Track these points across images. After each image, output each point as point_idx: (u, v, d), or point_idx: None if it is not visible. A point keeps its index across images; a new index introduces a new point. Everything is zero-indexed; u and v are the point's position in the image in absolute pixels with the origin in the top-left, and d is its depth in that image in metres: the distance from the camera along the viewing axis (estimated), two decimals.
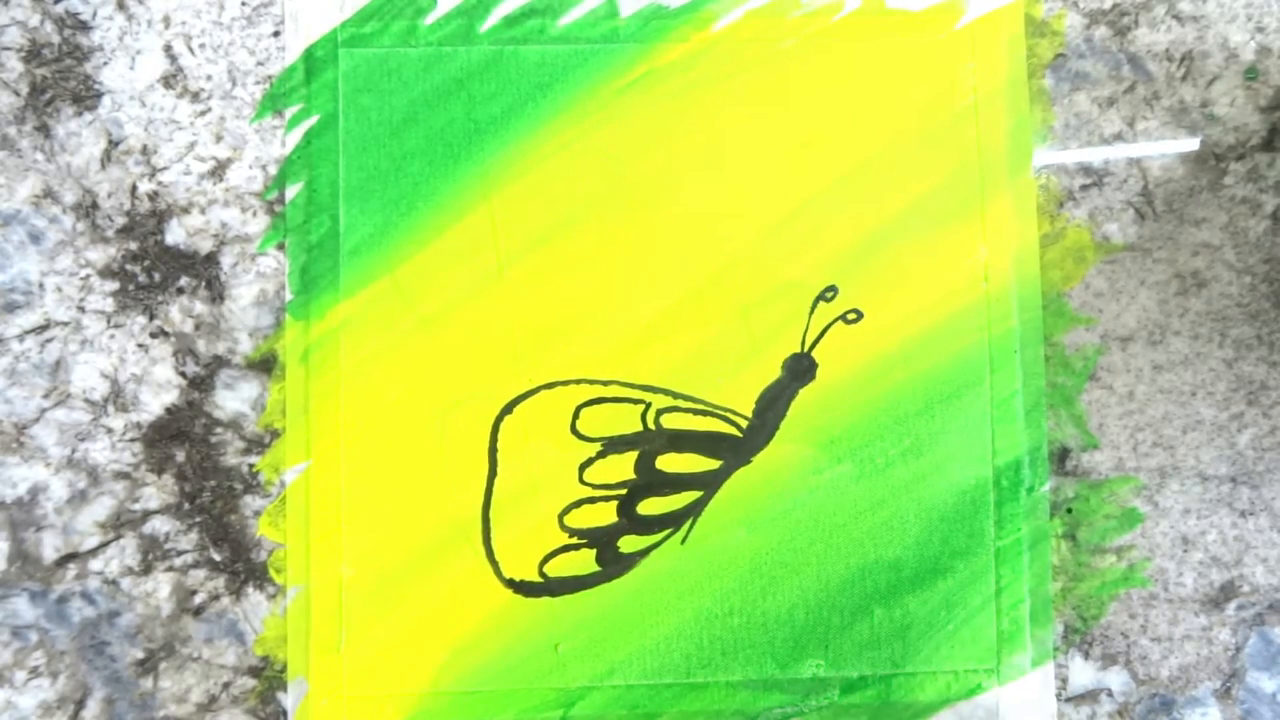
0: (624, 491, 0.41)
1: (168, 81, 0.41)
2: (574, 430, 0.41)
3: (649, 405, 0.41)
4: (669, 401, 0.41)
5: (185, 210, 0.41)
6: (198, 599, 0.40)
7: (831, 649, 0.41)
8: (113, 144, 0.41)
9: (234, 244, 0.41)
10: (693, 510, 0.41)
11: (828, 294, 0.41)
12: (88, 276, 0.41)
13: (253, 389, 0.41)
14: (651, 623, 0.41)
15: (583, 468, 0.41)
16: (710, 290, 0.41)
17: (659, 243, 0.41)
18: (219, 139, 0.41)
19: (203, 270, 0.41)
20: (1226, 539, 0.42)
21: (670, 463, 0.41)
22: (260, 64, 0.42)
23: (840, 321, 0.41)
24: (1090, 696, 0.41)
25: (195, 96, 0.41)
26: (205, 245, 0.41)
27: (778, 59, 0.42)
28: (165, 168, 0.41)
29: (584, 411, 0.41)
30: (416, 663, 0.40)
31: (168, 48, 0.41)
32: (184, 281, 0.41)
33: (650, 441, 0.41)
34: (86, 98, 0.41)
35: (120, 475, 0.41)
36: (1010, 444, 0.41)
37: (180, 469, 0.41)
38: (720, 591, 0.41)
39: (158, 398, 0.41)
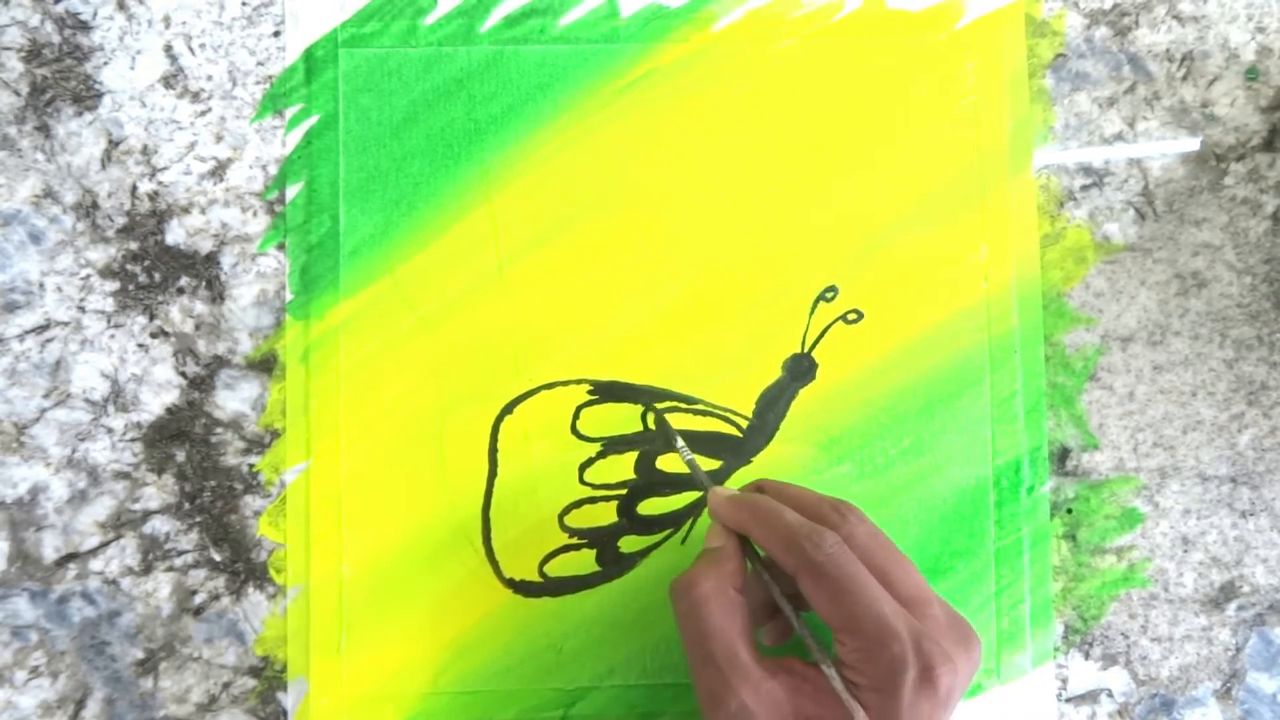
0: (624, 491, 0.41)
1: (168, 81, 0.41)
2: (574, 430, 0.41)
3: (649, 405, 0.41)
4: (669, 402, 0.41)
5: (185, 210, 0.41)
6: (198, 599, 0.40)
7: (832, 648, 0.41)
8: (113, 144, 0.41)
9: (234, 244, 0.41)
10: (693, 510, 0.41)
11: (828, 294, 0.41)
12: (88, 276, 0.41)
13: (253, 389, 0.41)
14: (651, 622, 0.40)
15: (583, 468, 0.41)
16: (710, 290, 0.41)
17: (659, 243, 0.41)
18: (219, 139, 0.41)
19: (203, 270, 0.41)
20: (1227, 539, 0.42)
21: (670, 463, 0.41)
22: (260, 64, 0.42)
23: (840, 321, 0.41)
24: (1090, 697, 0.41)
25: (195, 96, 0.41)
26: (205, 245, 0.41)
27: (778, 59, 0.42)
28: (165, 168, 0.41)
29: (584, 411, 0.41)
30: (416, 663, 0.40)
31: (168, 48, 0.41)
32: (184, 281, 0.41)
33: (650, 441, 0.41)
34: (87, 98, 0.41)
35: (120, 475, 0.41)
36: (1010, 444, 0.41)
37: (180, 469, 0.41)
38: None
39: (158, 398, 0.41)
